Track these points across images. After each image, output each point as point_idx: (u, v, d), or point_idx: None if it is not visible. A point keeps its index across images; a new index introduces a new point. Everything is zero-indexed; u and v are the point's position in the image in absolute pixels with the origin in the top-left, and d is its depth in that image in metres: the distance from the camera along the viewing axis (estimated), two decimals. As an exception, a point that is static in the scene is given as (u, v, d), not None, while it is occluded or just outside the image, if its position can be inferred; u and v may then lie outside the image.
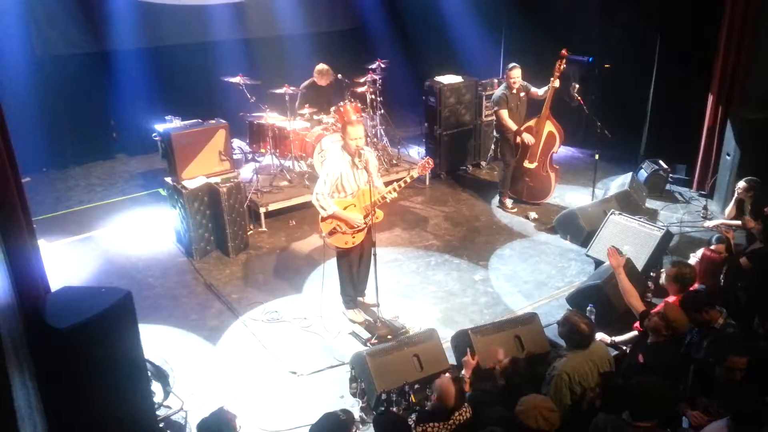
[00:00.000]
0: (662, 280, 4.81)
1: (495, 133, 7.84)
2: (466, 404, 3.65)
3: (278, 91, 7.61)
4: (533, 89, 7.32)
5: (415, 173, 5.14)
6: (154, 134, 7.97)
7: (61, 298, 3.45)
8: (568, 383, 3.74)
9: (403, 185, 5.05)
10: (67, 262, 6.52)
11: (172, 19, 9.26)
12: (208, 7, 9.51)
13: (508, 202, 7.67)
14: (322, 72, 8.20)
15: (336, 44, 10.38)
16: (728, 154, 7.11)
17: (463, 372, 4.23)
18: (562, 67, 6.93)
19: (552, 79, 6.95)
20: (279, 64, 9.50)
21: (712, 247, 5.14)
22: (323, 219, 5.09)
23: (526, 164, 7.49)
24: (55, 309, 3.29)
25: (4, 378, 2.36)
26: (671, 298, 4.52)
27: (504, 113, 7.27)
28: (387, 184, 5.42)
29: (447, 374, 3.97)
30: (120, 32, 8.82)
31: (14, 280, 3.21)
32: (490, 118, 8.70)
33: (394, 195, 5.09)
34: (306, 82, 8.22)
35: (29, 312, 3.24)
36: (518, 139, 7.33)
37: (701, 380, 3.86)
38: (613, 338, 4.82)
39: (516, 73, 7.19)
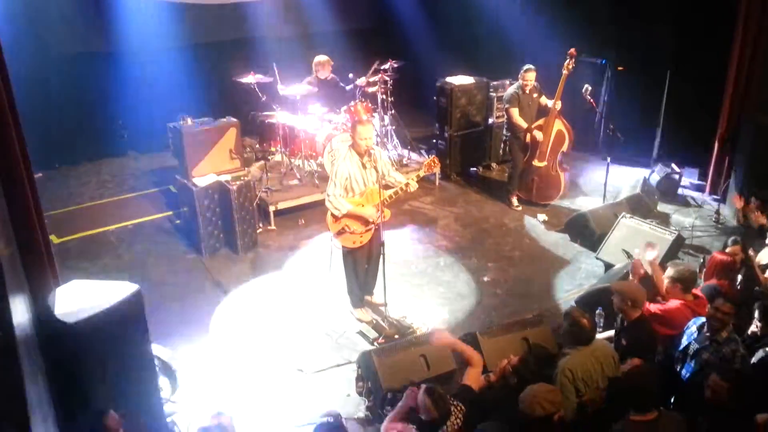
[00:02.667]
0: (665, 284, 4.66)
1: (505, 132, 7.81)
2: (459, 405, 3.53)
3: (289, 90, 7.62)
4: (544, 98, 7.32)
5: (421, 172, 5.14)
6: (166, 132, 8.04)
7: (71, 292, 3.48)
8: (572, 380, 3.72)
9: (408, 184, 5.06)
10: (77, 257, 6.56)
11: (184, 18, 9.29)
12: (219, 6, 9.54)
13: (514, 201, 7.66)
14: (322, 63, 8.06)
15: (347, 44, 10.35)
16: (741, 159, 7.04)
17: (490, 372, 4.16)
18: (570, 66, 6.92)
19: (555, 98, 7.05)
20: (290, 63, 9.52)
21: (727, 249, 4.93)
22: (336, 219, 5.09)
23: (536, 163, 7.46)
24: (64, 303, 3.31)
25: (17, 370, 2.39)
26: (674, 302, 4.37)
27: (515, 111, 7.27)
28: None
29: (415, 388, 3.63)
30: (133, 32, 8.86)
31: (26, 275, 3.25)
32: (501, 120, 8.67)
33: (414, 184, 5.09)
34: (308, 79, 8.06)
35: (40, 306, 3.28)
36: (528, 138, 7.32)
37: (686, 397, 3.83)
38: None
39: (531, 76, 7.18)
